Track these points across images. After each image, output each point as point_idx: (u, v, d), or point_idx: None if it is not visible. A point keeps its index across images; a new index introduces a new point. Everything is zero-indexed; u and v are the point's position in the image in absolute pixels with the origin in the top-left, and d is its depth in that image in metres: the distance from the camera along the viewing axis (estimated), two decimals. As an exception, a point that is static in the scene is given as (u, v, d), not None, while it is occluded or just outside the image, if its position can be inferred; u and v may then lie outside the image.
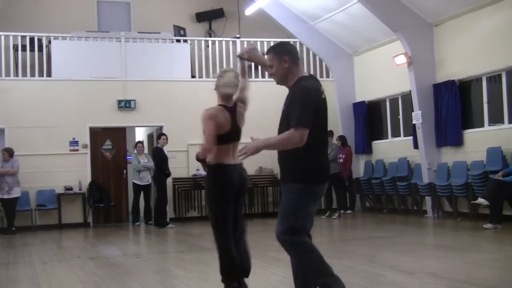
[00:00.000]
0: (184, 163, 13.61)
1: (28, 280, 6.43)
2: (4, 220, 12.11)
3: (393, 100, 13.68)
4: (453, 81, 11.46)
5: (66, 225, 12.69)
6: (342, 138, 13.36)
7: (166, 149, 12.61)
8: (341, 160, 12.92)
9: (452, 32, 11.59)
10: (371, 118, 14.27)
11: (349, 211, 13.35)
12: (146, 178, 12.86)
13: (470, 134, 11.29)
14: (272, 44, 5.57)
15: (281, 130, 3.94)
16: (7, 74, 13.00)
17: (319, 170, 3.94)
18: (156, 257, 8.29)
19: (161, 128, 13.68)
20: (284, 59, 3.96)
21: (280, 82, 4.05)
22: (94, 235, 11.67)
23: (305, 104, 3.77)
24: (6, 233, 11.66)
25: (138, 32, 14.29)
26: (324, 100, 3.97)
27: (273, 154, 4.07)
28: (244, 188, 4.97)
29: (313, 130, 3.77)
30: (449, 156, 11.65)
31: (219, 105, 4.92)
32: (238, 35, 14.67)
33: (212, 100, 5.27)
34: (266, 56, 4.16)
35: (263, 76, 13.31)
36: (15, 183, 11.99)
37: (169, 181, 12.93)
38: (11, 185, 11.92)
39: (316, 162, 3.90)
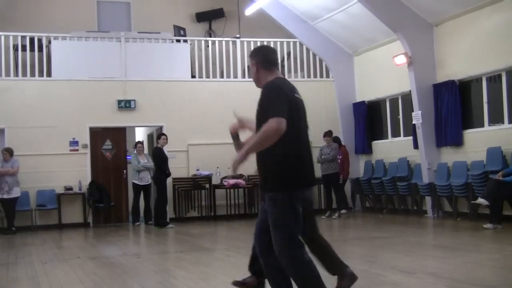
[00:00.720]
0: (184, 163, 13.60)
1: (28, 280, 6.42)
2: (4, 220, 12.10)
3: (393, 100, 13.67)
4: (453, 81, 11.46)
5: (66, 225, 12.68)
6: (335, 139, 13.23)
7: (166, 149, 12.61)
8: (339, 161, 12.87)
9: (452, 32, 11.58)
10: (371, 118, 14.26)
11: (343, 211, 13.06)
12: (146, 178, 12.86)
13: (470, 134, 11.28)
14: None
15: (258, 129, 3.84)
16: (7, 74, 12.99)
17: (300, 175, 3.85)
18: (156, 257, 8.29)
19: (161, 128, 13.66)
20: (257, 62, 4.07)
21: (256, 85, 4.13)
22: (94, 235, 11.67)
23: (278, 97, 3.76)
24: (6, 233, 11.65)
25: (138, 32, 14.27)
26: (299, 99, 3.94)
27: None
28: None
29: (289, 127, 3.67)
30: (449, 156, 11.64)
31: None
32: (238, 35, 14.65)
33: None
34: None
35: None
36: (15, 183, 11.99)
37: (169, 181, 12.92)
38: (11, 185, 11.92)
39: (296, 167, 3.82)
